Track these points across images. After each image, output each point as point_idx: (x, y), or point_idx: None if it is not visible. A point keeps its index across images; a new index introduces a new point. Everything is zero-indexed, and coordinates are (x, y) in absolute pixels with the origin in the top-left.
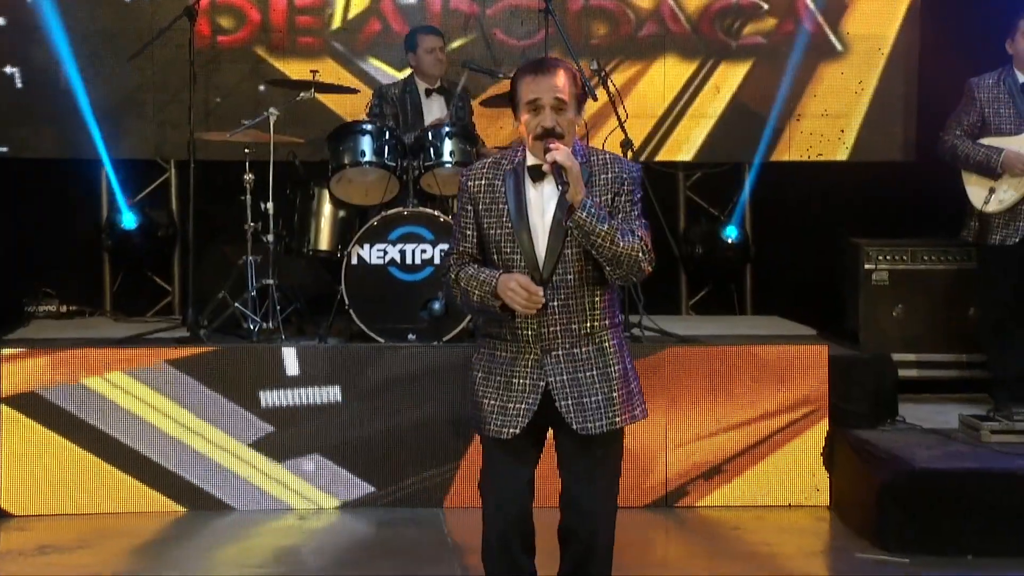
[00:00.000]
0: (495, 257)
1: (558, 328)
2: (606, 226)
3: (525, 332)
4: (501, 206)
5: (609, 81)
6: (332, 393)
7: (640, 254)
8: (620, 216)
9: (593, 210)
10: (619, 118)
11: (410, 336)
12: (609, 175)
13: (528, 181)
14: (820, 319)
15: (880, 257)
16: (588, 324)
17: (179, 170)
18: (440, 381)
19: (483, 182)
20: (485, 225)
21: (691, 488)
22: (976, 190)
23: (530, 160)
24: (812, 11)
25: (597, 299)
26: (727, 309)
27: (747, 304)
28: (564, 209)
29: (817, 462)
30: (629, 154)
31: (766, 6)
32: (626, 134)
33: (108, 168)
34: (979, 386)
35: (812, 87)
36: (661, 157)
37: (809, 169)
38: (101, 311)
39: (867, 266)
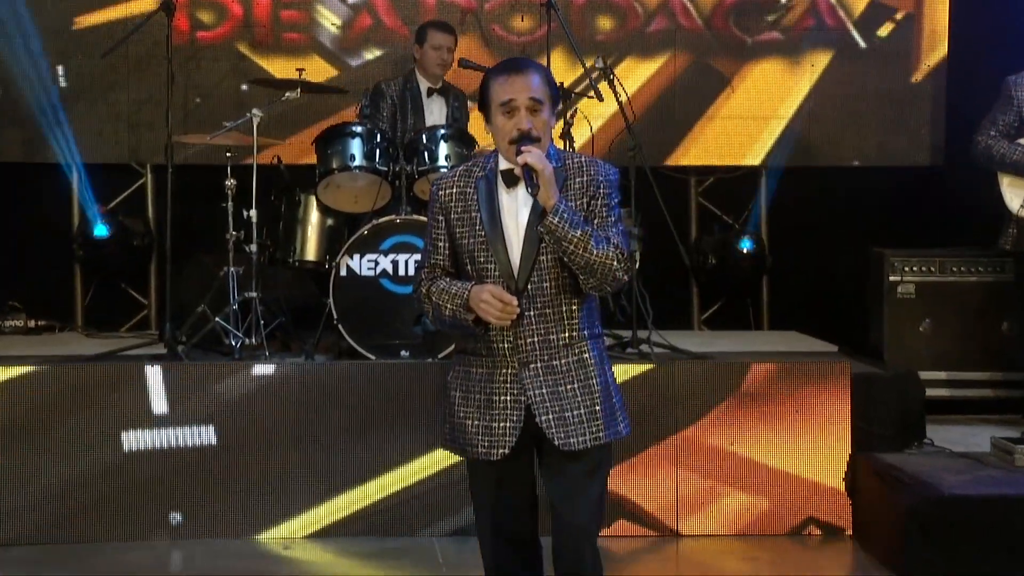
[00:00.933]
0: (468, 268)
1: (535, 339)
2: (579, 232)
3: (501, 345)
4: (473, 214)
5: (615, 80)
6: (325, 409)
7: (614, 263)
8: (596, 222)
9: (566, 215)
10: (626, 120)
11: (403, 353)
12: (584, 178)
13: (501, 186)
14: (842, 335)
15: (906, 268)
16: (567, 334)
17: (156, 175)
18: (437, 401)
19: (454, 190)
20: (458, 235)
21: (702, 515)
22: (1014, 193)
23: (503, 165)
24: (833, 5)
25: (575, 308)
26: (742, 324)
27: (763, 318)
28: (538, 214)
29: (839, 487)
30: (638, 157)
31: (784, 0)
32: (634, 137)
33: (80, 173)
34: (1013, 406)
35: (833, 86)
36: (671, 161)
37: (830, 174)
38: (72, 326)
39: (892, 278)
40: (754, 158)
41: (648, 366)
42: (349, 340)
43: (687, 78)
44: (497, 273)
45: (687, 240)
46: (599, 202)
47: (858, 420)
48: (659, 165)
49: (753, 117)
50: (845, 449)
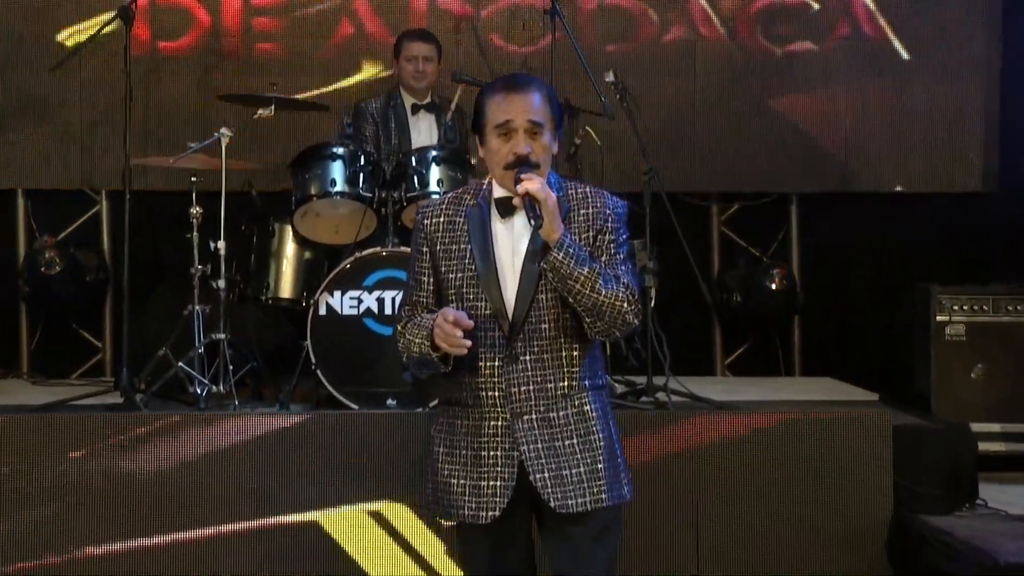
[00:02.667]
0: (456, 305)
1: (530, 387)
2: (586, 269)
3: (491, 394)
4: (463, 246)
5: (628, 96)
6: (301, 465)
7: (625, 303)
8: (603, 259)
9: (571, 250)
10: (640, 141)
11: (390, 402)
12: (589, 210)
13: (495, 216)
14: (883, 381)
15: (955, 307)
16: (566, 383)
17: (112, 202)
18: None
19: (442, 219)
20: (444, 269)
21: None
22: None
23: (498, 192)
24: (873, 12)
25: (576, 354)
26: (771, 369)
27: (795, 363)
28: (538, 247)
29: (880, 554)
30: (653, 183)
31: (817, 6)
32: (648, 159)
33: (25, 200)
34: None
35: (872, 103)
36: (691, 187)
37: (869, 201)
38: (17, 372)
39: (940, 318)
40: (784, 183)
41: (666, 415)
42: (329, 388)
43: (708, 94)
44: (489, 311)
45: (709, 275)
46: (606, 237)
47: (901, 478)
48: (677, 191)
49: (783, 137)
50: (887, 511)
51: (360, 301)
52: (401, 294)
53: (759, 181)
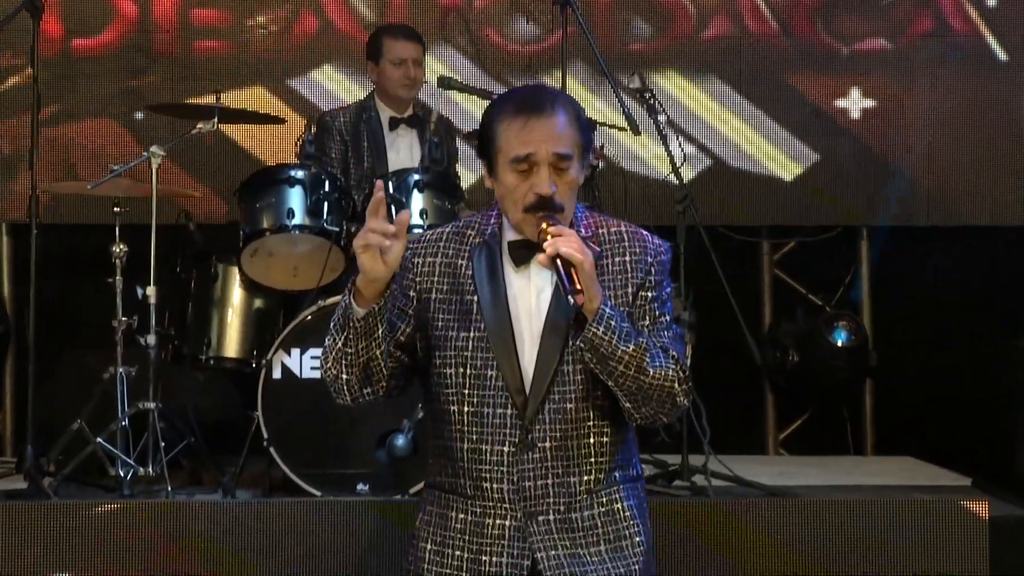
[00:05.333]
0: (459, 373)
1: (549, 482)
2: (631, 346)
3: (498, 486)
4: (468, 297)
5: (658, 106)
6: (249, 567)
7: (675, 385)
8: (644, 323)
9: (614, 323)
10: (672, 161)
11: (361, 487)
12: (627, 258)
13: (508, 261)
14: (977, 461)
15: None
16: (592, 476)
17: (14, 238)
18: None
19: (438, 259)
20: (440, 324)
21: None
22: None
23: (511, 234)
24: (962, 2)
25: (607, 439)
26: (836, 446)
27: (866, 438)
28: (566, 317)
29: None
30: (689, 213)
31: None
32: (683, 185)
33: None
34: None
35: (961, 115)
36: (735, 219)
37: (958, 237)
38: None
39: None
40: (851, 214)
41: (705, 504)
42: (285, 469)
43: (757, 102)
44: (500, 383)
45: (759, 328)
46: (648, 294)
47: None
48: (718, 224)
49: (849, 157)
50: None
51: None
52: None
53: (820, 212)
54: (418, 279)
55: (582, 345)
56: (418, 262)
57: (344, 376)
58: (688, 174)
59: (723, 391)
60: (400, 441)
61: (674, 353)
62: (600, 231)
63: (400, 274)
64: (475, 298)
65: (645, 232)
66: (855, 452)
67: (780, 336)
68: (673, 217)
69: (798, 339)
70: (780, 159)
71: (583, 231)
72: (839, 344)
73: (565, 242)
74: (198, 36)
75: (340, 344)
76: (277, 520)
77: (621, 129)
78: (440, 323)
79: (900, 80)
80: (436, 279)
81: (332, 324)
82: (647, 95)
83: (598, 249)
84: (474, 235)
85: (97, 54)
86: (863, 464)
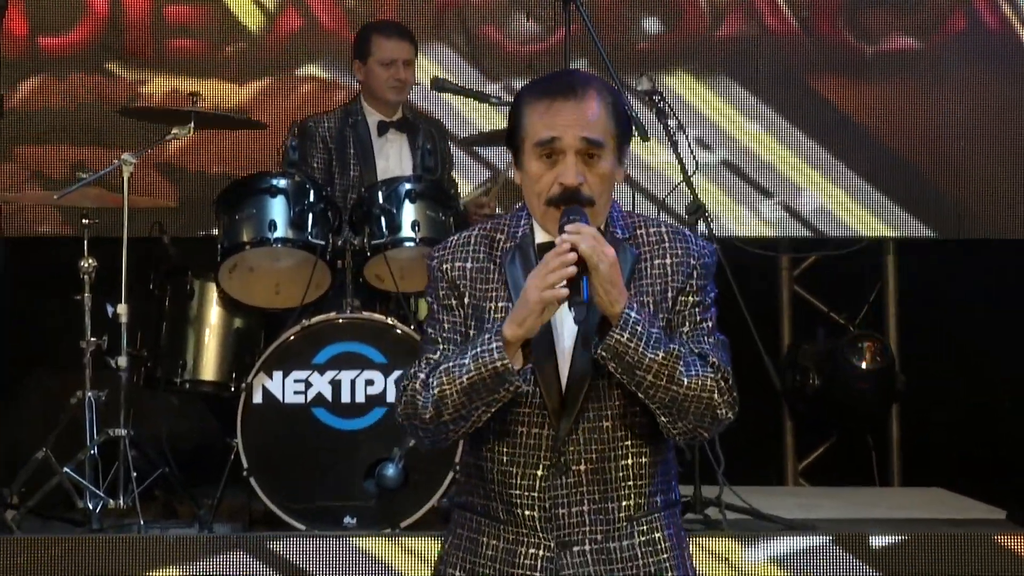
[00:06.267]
0: None
1: (585, 508)
2: (660, 353)
3: (529, 512)
4: (502, 304)
5: (668, 110)
6: None
7: (715, 394)
8: (684, 329)
9: (640, 328)
10: (684, 169)
11: (348, 520)
12: (669, 260)
13: None
14: (1012, 493)
15: None
16: (632, 502)
17: None
18: None
19: (469, 264)
20: (474, 336)
21: None
22: None
23: (540, 235)
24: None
25: (646, 461)
26: (861, 476)
27: (893, 468)
28: (589, 324)
29: None
30: (701, 226)
31: None
32: (695, 195)
33: None
34: None
35: (996, 119)
36: (751, 231)
37: (992, 251)
38: None
39: None
40: (877, 226)
41: (719, 538)
42: (266, 501)
43: (775, 106)
44: (538, 401)
45: (777, 349)
46: (690, 299)
47: None
48: (733, 236)
49: (875, 164)
50: None
51: (308, 385)
52: (365, 375)
53: (843, 224)
54: (456, 286)
55: (604, 354)
56: (448, 268)
57: (466, 431)
58: (700, 183)
59: (738, 417)
60: (390, 471)
61: (714, 360)
62: (639, 231)
63: (434, 286)
64: (510, 305)
65: (688, 232)
66: (880, 483)
67: (800, 358)
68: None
69: (819, 361)
70: (800, 167)
71: (619, 232)
72: (864, 366)
73: (581, 238)
74: (173, 34)
75: (481, 407)
76: (257, 555)
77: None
78: (474, 334)
79: (930, 83)
80: (469, 286)
81: (463, 379)
82: (656, 98)
83: (635, 251)
84: (504, 239)
85: (65, 53)
86: (889, 496)
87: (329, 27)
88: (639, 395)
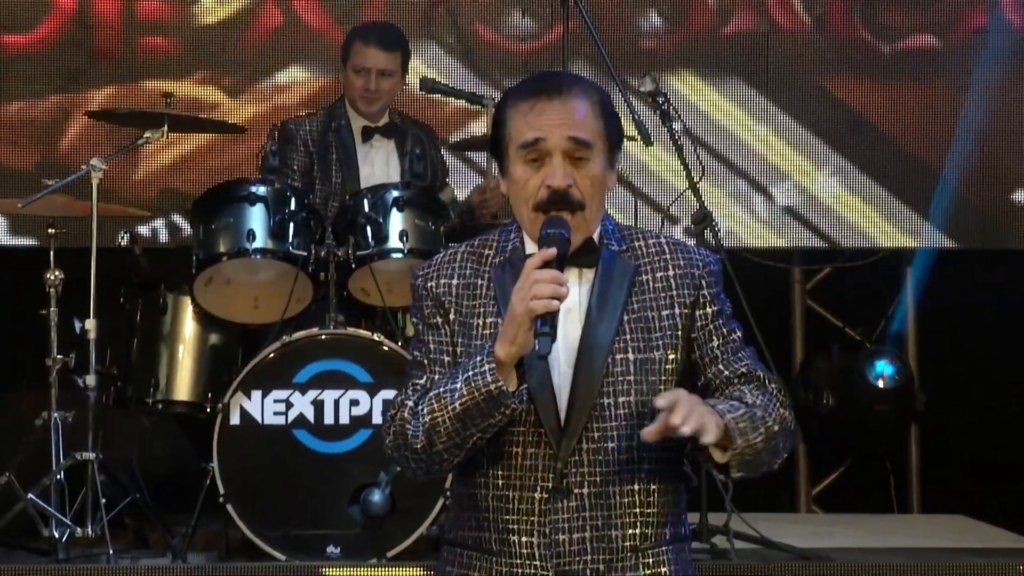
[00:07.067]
0: None
1: (587, 534)
2: (760, 434)
3: (526, 539)
4: (491, 320)
5: (673, 112)
6: None
7: (788, 417)
8: (714, 344)
9: (742, 425)
10: (689, 176)
11: (331, 549)
12: (671, 272)
13: None
14: None
15: None
16: (638, 531)
17: None
18: None
19: (455, 281)
20: (462, 353)
21: None
22: None
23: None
24: None
25: (655, 487)
26: (878, 503)
27: (912, 494)
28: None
29: None
30: (708, 235)
31: None
32: (702, 203)
33: None
34: None
35: (1019, 124)
36: (762, 241)
37: (1015, 263)
38: None
39: None
40: (894, 237)
41: (727, 569)
42: (244, 529)
43: (786, 107)
44: (534, 419)
45: (788, 367)
46: (707, 310)
47: None
48: (743, 247)
49: (893, 169)
50: None
51: (289, 405)
52: (350, 394)
53: (859, 234)
54: (442, 304)
55: (739, 472)
56: (432, 286)
57: (456, 460)
58: (707, 190)
59: None
60: (376, 497)
61: (763, 376)
62: (636, 243)
63: (417, 305)
64: (499, 320)
65: (689, 244)
66: (899, 510)
67: (813, 376)
68: (691, 240)
69: (834, 379)
70: (812, 173)
71: (615, 244)
72: (881, 385)
73: (684, 417)
74: (145, 31)
75: (475, 433)
76: None
77: (630, 139)
78: (462, 351)
79: (950, 81)
80: (455, 302)
81: (456, 405)
82: (660, 99)
83: (632, 263)
84: (493, 254)
85: (30, 52)
86: (908, 524)
87: (311, 24)
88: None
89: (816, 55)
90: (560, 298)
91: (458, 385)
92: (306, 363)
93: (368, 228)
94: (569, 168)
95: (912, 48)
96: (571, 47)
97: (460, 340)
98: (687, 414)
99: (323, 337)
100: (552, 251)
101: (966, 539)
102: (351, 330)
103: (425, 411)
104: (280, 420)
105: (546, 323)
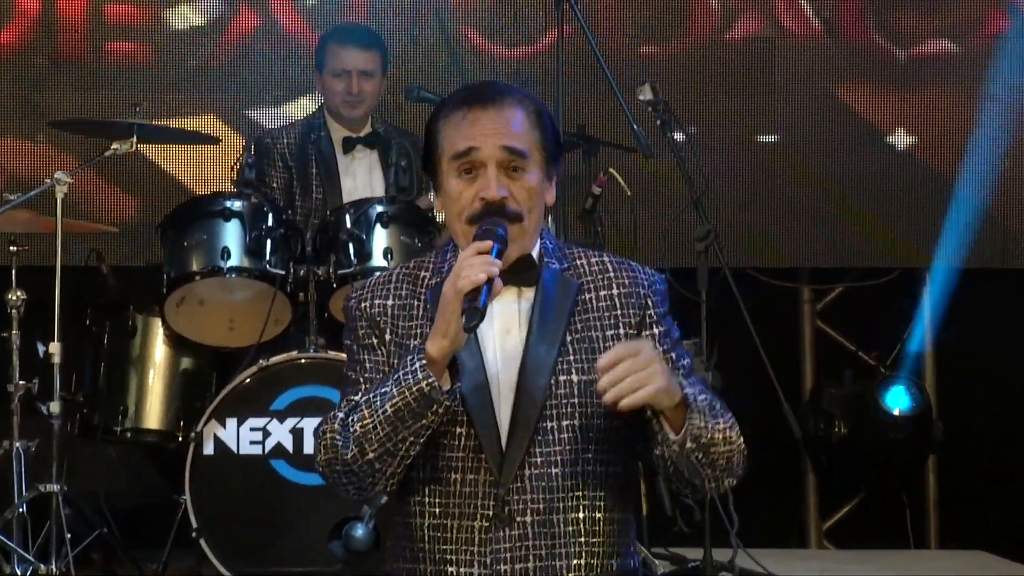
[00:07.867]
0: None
1: (530, 566)
2: (721, 420)
3: (467, 571)
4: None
5: (674, 122)
6: None
7: (741, 440)
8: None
9: (703, 401)
10: (692, 189)
11: None
12: (615, 291)
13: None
14: None
15: None
16: (582, 561)
17: None
18: None
19: (389, 302)
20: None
21: None
22: None
23: None
24: None
25: (600, 515)
26: (894, 538)
27: (930, 528)
28: (544, 360)
29: None
30: (712, 252)
31: None
32: (706, 218)
33: None
34: None
35: None
36: (769, 260)
37: None
38: None
39: None
40: (910, 255)
41: None
42: (218, 565)
43: (796, 117)
44: (473, 444)
45: (798, 393)
46: (655, 332)
47: None
48: (748, 266)
49: (908, 183)
50: None
51: (267, 434)
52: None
53: (873, 251)
54: (376, 324)
55: (675, 452)
56: (366, 307)
57: (393, 471)
58: (710, 205)
59: (754, 471)
60: (359, 532)
61: (717, 403)
62: (579, 262)
63: (351, 326)
64: None
65: (633, 263)
66: (916, 545)
67: (824, 403)
68: (694, 257)
69: (846, 407)
70: (824, 186)
71: (556, 262)
72: (896, 413)
73: (631, 385)
74: (112, 36)
75: (408, 437)
76: None
77: (630, 150)
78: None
79: (969, 89)
80: (390, 323)
81: (387, 407)
82: (661, 108)
83: (575, 283)
84: (429, 275)
85: None
86: (925, 560)
87: (288, 29)
88: (700, 473)
89: (827, 61)
90: (490, 275)
91: (388, 387)
92: (284, 389)
93: (350, 245)
94: (504, 179)
95: (928, 54)
96: (566, 53)
97: (396, 361)
98: (625, 373)
99: (303, 361)
100: (488, 243)
101: (987, 575)
102: (332, 354)
103: (355, 420)
104: (257, 450)
105: (474, 299)
